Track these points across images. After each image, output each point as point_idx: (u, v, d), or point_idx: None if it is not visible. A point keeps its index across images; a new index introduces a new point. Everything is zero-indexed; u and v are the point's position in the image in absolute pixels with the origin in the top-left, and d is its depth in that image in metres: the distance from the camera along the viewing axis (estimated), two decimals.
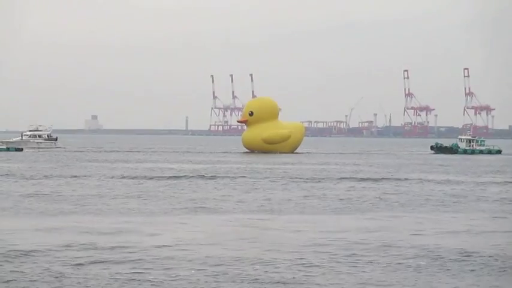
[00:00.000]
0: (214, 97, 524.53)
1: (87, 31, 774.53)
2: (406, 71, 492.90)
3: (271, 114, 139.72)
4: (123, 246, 28.86)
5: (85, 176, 68.74)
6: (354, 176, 73.28)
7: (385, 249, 28.64)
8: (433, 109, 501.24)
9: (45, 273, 23.84)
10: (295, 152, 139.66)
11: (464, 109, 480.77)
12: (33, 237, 31.19)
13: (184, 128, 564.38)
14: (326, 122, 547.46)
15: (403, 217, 40.14)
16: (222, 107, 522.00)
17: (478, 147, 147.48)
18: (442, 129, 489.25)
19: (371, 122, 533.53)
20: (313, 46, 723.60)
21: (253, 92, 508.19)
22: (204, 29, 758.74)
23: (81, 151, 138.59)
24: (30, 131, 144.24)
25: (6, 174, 69.76)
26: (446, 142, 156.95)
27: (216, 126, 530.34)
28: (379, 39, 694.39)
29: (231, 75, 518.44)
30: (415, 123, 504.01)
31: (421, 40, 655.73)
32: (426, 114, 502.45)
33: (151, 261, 25.94)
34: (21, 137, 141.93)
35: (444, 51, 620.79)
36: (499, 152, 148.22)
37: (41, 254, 27.09)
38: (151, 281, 22.91)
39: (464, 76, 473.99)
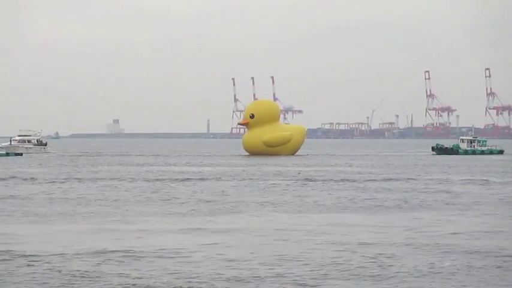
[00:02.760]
0: (236, 100, 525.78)
1: (108, 37, 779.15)
2: (428, 71, 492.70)
3: (272, 116, 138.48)
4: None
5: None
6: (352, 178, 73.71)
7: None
8: (455, 110, 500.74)
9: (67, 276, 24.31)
10: (296, 154, 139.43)
11: (486, 109, 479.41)
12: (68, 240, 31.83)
13: (206, 131, 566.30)
14: (348, 124, 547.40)
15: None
16: (243, 109, 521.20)
17: (479, 148, 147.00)
18: (464, 129, 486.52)
19: (392, 123, 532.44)
20: (334, 47, 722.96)
21: (274, 94, 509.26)
22: (224, 32, 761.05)
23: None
24: (19, 136, 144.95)
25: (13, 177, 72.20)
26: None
27: (238, 129, 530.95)
28: (401, 40, 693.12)
29: (252, 78, 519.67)
30: (437, 124, 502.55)
31: (443, 41, 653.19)
32: (448, 115, 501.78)
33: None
34: (10, 142, 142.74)
35: (466, 51, 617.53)
36: (500, 152, 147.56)
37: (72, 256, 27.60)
38: None
39: (486, 76, 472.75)
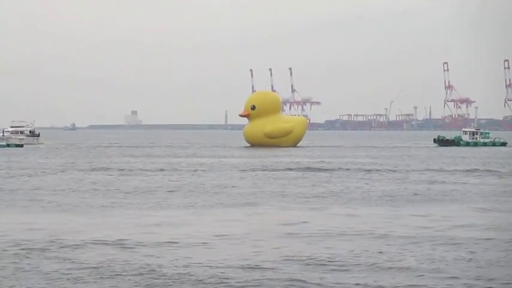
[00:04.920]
0: (253, 91, 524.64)
1: (126, 27, 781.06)
2: (446, 63, 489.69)
3: (274, 108, 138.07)
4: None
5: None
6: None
7: None
8: (474, 101, 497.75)
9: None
10: (297, 146, 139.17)
11: (505, 101, 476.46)
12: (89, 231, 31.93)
13: (224, 123, 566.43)
14: (366, 116, 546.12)
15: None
16: None
17: (482, 140, 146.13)
18: (483, 121, 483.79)
19: (411, 114, 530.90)
20: (351, 37, 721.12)
21: (292, 85, 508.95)
22: (242, 23, 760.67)
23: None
24: (12, 127, 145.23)
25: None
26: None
27: None
28: (418, 30, 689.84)
29: (270, 69, 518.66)
30: (455, 115, 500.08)
31: (461, 32, 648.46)
32: (466, 107, 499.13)
33: None
34: (3, 133, 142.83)
35: (484, 42, 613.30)
36: (503, 144, 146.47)
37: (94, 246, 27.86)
38: None
39: (505, 68, 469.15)
